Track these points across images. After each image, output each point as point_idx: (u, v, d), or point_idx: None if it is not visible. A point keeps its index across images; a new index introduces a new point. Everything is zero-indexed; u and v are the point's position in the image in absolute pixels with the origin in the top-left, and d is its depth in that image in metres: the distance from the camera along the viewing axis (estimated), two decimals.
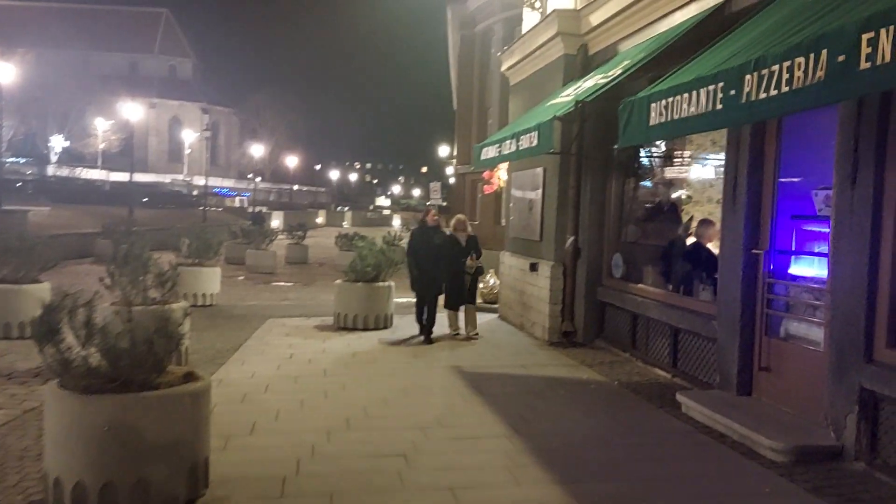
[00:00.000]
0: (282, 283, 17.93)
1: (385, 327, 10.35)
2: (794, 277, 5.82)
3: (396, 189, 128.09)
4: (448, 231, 9.66)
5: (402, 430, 5.62)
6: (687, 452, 5.25)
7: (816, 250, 5.73)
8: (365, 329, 10.14)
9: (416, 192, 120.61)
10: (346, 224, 63.32)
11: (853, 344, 4.82)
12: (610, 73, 6.73)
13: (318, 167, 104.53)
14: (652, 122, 4.13)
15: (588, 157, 9.01)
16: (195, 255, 12.96)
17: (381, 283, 10.45)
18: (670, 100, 4.03)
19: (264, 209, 52.98)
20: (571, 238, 9.27)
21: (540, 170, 9.83)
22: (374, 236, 14.43)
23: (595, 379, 7.44)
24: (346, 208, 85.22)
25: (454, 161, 40.95)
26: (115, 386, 3.84)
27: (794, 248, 5.91)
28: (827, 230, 5.66)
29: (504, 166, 13.19)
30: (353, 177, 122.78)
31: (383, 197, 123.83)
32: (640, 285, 8.26)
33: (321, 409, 6.17)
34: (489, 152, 8.13)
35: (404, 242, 14.32)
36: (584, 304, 9.13)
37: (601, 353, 8.59)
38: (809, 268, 5.77)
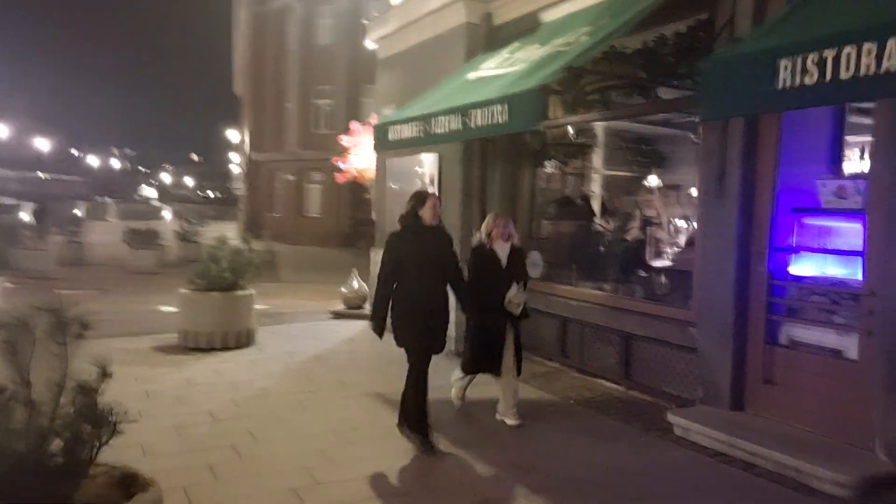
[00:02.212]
0: (70, 292, 14.88)
1: (248, 345, 8.56)
2: (805, 278, 5.22)
3: (166, 178, 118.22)
4: (477, 239, 5.90)
5: (378, 499, 4.21)
6: (731, 495, 4.41)
7: (830, 247, 5.18)
8: (224, 349, 8.28)
9: (189, 181, 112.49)
10: (111, 218, 56.82)
11: None
12: (571, 41, 5.73)
13: (75, 153, 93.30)
14: (781, 86, 3.15)
15: (495, 142, 8.00)
16: None
17: (240, 292, 8.63)
18: (813, 56, 3.05)
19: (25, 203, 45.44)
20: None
21: (433, 156, 8.62)
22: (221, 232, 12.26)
23: (544, 398, 6.44)
24: (110, 199, 76.64)
25: (246, 148, 38.03)
26: None
27: (795, 245, 5.32)
28: (836, 224, 5.15)
29: (363, 151, 11.80)
30: (117, 164, 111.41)
31: (147, 186, 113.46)
32: (570, 287, 7.40)
33: (243, 480, 4.52)
34: (403, 131, 6.79)
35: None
36: None
37: (524, 364, 7.60)
38: (819, 267, 5.20)
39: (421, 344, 5.23)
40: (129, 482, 2.58)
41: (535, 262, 7.92)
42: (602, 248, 7.52)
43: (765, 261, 5.27)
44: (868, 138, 5.22)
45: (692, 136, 7.57)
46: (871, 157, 4.65)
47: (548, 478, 4.61)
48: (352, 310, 10.98)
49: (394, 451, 5.07)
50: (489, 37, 8.06)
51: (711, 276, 5.60)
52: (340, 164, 12.25)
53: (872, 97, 3.65)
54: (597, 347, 6.90)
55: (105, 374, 2.71)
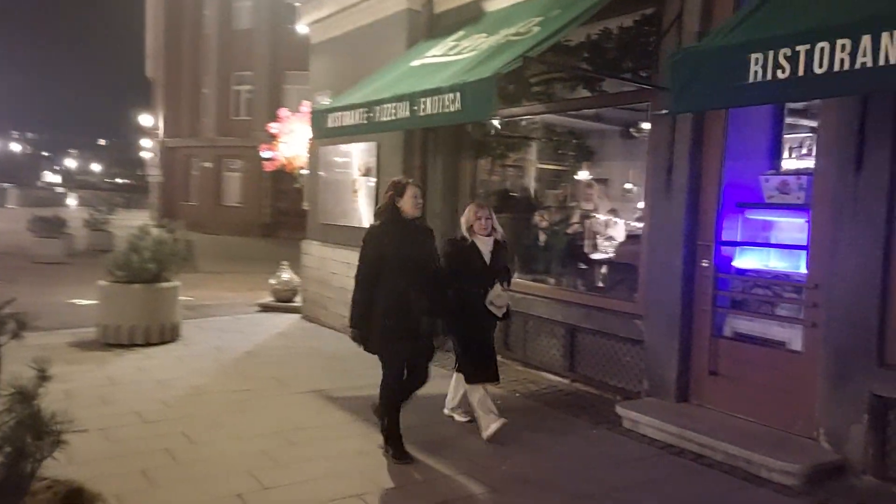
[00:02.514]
0: None
1: (173, 340, 8.14)
2: (749, 271, 5.31)
3: (71, 163, 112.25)
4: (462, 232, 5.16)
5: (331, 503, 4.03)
6: (683, 486, 4.43)
7: (773, 241, 5.28)
8: (147, 344, 7.84)
9: (96, 167, 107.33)
10: (11, 205, 53.50)
11: (860, 347, 4.38)
12: (522, 31, 5.63)
13: None
14: (752, 80, 3.12)
15: (437, 131, 7.85)
16: None
17: (165, 284, 8.19)
18: (786, 51, 3.03)
19: None
20: None
21: (371, 145, 8.39)
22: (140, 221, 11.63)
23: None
24: (10, 185, 72.09)
25: (160, 133, 36.45)
26: None
27: (740, 239, 5.40)
28: (779, 218, 5.26)
29: (293, 138, 11.43)
30: (18, 148, 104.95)
31: (51, 172, 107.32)
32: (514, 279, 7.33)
33: (182, 486, 4.23)
34: (344, 118, 6.53)
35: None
36: None
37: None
38: (763, 260, 5.31)
39: (403, 356, 4.72)
40: (74, 498, 2.31)
41: None
42: (543, 241, 7.50)
43: (711, 254, 5.33)
44: (804, 135, 5.38)
45: (632, 131, 7.65)
46: (817, 154, 4.75)
47: (501, 475, 4.52)
48: (281, 303, 10.63)
49: (342, 452, 4.87)
50: (431, 24, 7.89)
51: (658, 269, 5.64)
52: (268, 153, 11.83)
53: (846, 93, 3.70)
54: (541, 340, 6.87)
55: (43, 378, 2.42)
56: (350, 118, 6.52)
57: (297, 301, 10.55)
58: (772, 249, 5.25)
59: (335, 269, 9.11)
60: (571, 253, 7.40)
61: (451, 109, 5.17)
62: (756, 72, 3.20)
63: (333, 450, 4.92)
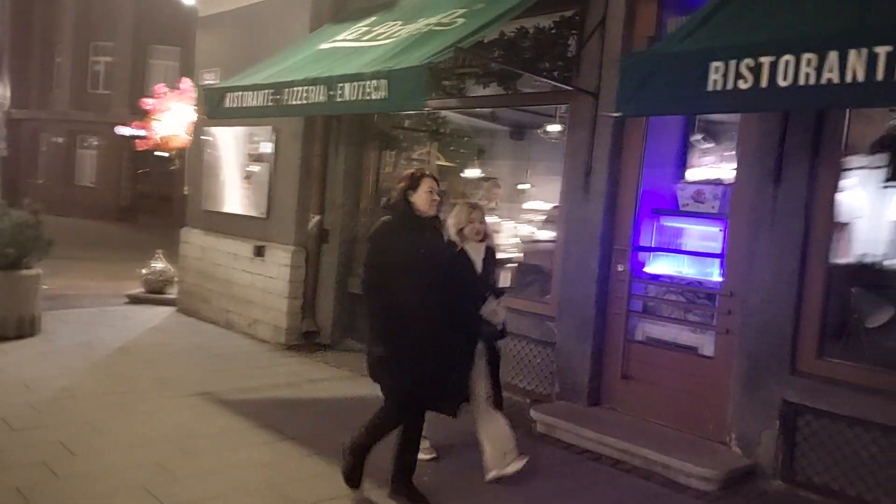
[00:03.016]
0: None
1: (32, 334, 7.31)
2: (663, 277, 5.38)
3: None
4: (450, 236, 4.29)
5: None
6: (604, 493, 4.40)
7: (686, 248, 5.38)
8: (2, 339, 6.97)
9: None
10: None
11: (773, 354, 4.52)
12: (445, 21, 5.40)
13: None
14: (712, 88, 3.07)
15: (341, 120, 7.49)
16: None
17: (25, 272, 7.34)
18: (749, 61, 2.99)
19: None
20: (316, 218, 7.64)
21: (267, 129, 7.89)
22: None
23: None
24: None
25: (3, 103, 33.01)
26: None
27: (655, 245, 5.47)
28: (693, 226, 5.38)
29: (170, 116, 10.63)
30: None
31: None
32: None
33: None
34: (246, 99, 6.01)
35: None
36: (334, 299, 7.61)
37: (364, 357, 7.19)
38: (676, 266, 5.39)
39: (425, 389, 3.84)
40: None
41: None
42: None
43: (627, 259, 5.36)
44: (711, 146, 5.54)
45: (539, 132, 7.64)
46: (737, 165, 4.86)
47: (425, 486, 4.29)
48: (153, 294, 9.83)
49: (246, 463, 4.47)
50: (336, 7, 7.51)
51: (573, 271, 5.61)
52: (141, 131, 10.97)
53: (811, 107, 3.76)
54: None
55: None
56: (252, 99, 6.05)
57: (172, 293, 9.81)
58: (685, 256, 5.35)
59: (220, 259, 8.52)
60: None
61: (375, 97, 4.87)
62: (716, 80, 3.17)
63: (236, 460, 4.50)
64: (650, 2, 5.30)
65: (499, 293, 4.44)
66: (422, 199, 3.94)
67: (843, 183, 4.39)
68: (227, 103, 6.35)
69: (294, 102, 5.59)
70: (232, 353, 7.20)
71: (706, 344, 5.05)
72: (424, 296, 3.80)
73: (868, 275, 4.55)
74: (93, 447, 4.50)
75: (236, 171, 8.40)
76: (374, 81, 4.87)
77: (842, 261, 4.51)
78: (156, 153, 11.83)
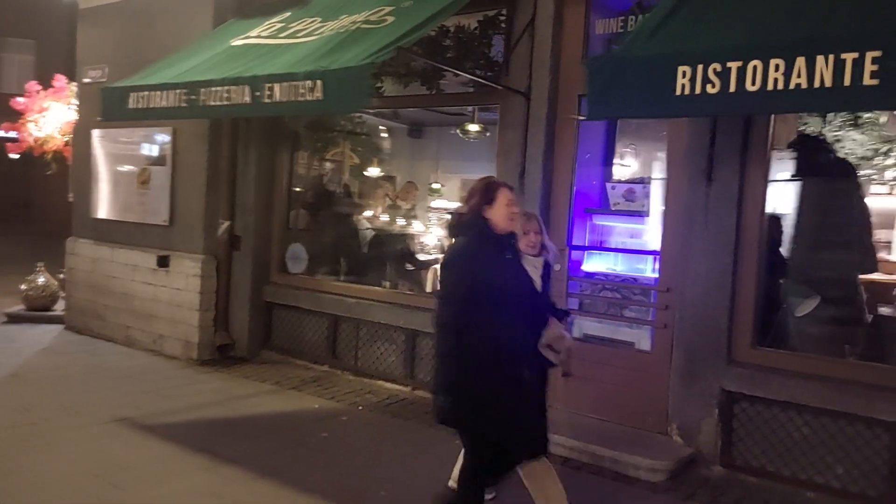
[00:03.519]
0: None
1: None
2: (597, 275, 5.47)
3: None
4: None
5: None
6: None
7: (618, 245, 5.50)
8: None
9: None
10: None
11: (711, 346, 4.70)
12: (373, 19, 5.22)
13: None
14: (680, 92, 3.11)
15: (249, 120, 7.13)
16: None
17: None
18: (716, 66, 3.04)
19: None
20: (226, 224, 7.24)
21: (166, 130, 7.38)
22: None
23: (329, 406, 5.88)
24: None
25: None
26: None
27: (588, 243, 5.56)
28: (625, 224, 5.52)
29: (48, 116, 9.74)
30: None
31: None
32: (344, 283, 6.91)
33: None
34: (154, 99, 5.54)
35: None
36: (249, 309, 7.23)
37: (287, 369, 6.91)
38: (608, 264, 5.51)
39: (506, 431, 3.24)
40: None
41: (295, 257, 7.29)
42: (371, 242, 7.18)
43: (563, 258, 5.41)
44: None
45: (457, 131, 7.62)
46: (668, 164, 5.02)
47: (382, 501, 4.15)
48: (36, 311, 9.00)
49: (186, 491, 4.15)
50: (240, 4, 7.12)
51: None
52: (11, 133, 9.99)
53: (780, 111, 3.90)
54: (376, 347, 6.53)
55: None
56: (161, 99, 5.63)
57: (58, 309, 9.03)
58: (619, 254, 5.48)
59: (116, 272, 7.91)
60: (403, 254, 7.18)
61: (310, 98, 4.63)
62: (683, 85, 3.23)
63: (178, 490, 4.18)
64: (578, 4, 5.37)
65: (562, 315, 3.87)
66: (500, 215, 3.29)
67: (769, 179, 4.63)
68: (132, 104, 5.88)
69: (213, 104, 5.25)
70: (141, 373, 6.70)
71: (643, 339, 5.20)
72: (517, 328, 3.26)
73: (795, 266, 4.83)
74: (9, 488, 4.03)
75: (131, 176, 7.82)
76: (309, 82, 4.64)
77: (771, 253, 4.75)
78: (9, 155, 10.78)
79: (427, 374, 6.19)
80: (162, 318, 7.43)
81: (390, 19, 5.23)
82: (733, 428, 4.68)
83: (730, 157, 4.62)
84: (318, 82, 4.60)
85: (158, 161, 7.54)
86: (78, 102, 8.77)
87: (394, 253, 7.36)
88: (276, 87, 4.85)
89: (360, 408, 5.86)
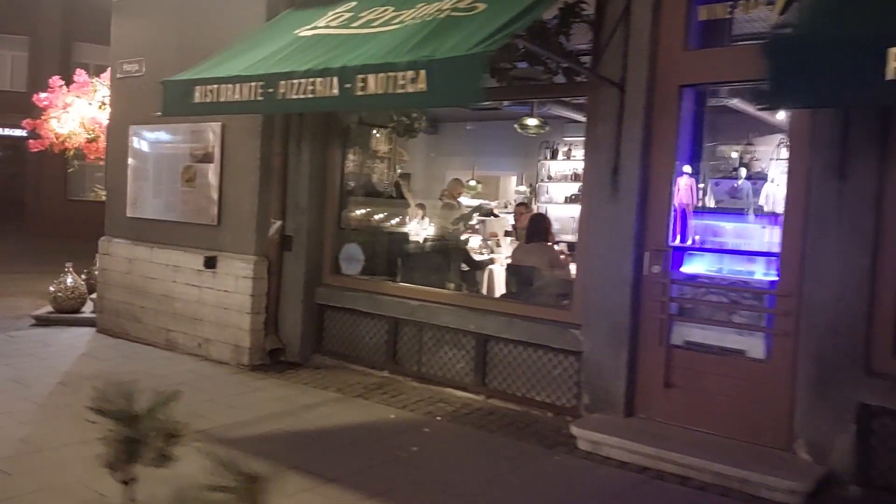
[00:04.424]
0: None
1: None
2: (702, 277, 5.14)
3: None
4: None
5: None
6: None
7: (725, 246, 5.19)
8: None
9: None
10: None
11: (846, 356, 4.34)
12: (464, 7, 4.86)
13: None
14: (892, 76, 2.77)
15: (304, 115, 6.76)
16: None
17: None
18: None
19: None
20: (277, 223, 6.86)
21: (214, 126, 7.00)
22: None
23: (406, 417, 5.52)
24: None
25: None
26: None
27: (694, 243, 5.24)
28: (731, 224, 5.21)
29: (71, 112, 9.33)
30: None
31: None
32: (406, 285, 6.56)
33: None
34: (224, 93, 5.15)
35: None
36: (302, 311, 6.86)
37: (344, 375, 6.53)
38: (713, 265, 5.19)
39: None
40: None
41: (351, 258, 6.93)
42: (435, 243, 6.85)
43: (662, 259, 5.10)
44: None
45: (516, 126, 7.30)
46: (789, 161, 4.70)
47: None
48: (65, 314, 8.57)
49: None
50: None
51: (600, 274, 5.27)
52: (35, 130, 9.56)
53: None
54: (442, 353, 6.19)
55: None
56: (234, 93, 5.24)
57: (87, 311, 8.63)
58: (724, 255, 5.16)
59: (155, 273, 7.51)
60: (460, 255, 6.85)
61: (411, 90, 4.27)
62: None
63: None
64: None
65: None
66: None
67: None
68: (198, 97, 5.49)
69: (295, 97, 4.86)
70: (195, 380, 6.31)
71: (755, 346, 4.86)
72: None
73: None
74: None
75: (174, 173, 7.42)
76: (410, 72, 4.28)
77: None
78: (31, 150, 10.33)
79: (501, 381, 5.87)
80: (207, 322, 7.04)
81: (482, 6, 4.88)
82: (872, 445, 4.32)
83: (866, 149, 4.30)
84: (422, 72, 4.24)
85: (205, 158, 7.14)
86: (111, 97, 8.35)
87: (450, 253, 7.03)
88: (371, 78, 4.48)
89: (438, 418, 5.50)
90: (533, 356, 5.67)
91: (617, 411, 5.18)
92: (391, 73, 4.38)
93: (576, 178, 11.92)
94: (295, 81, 4.87)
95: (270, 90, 5.03)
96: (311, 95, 4.79)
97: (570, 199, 11.56)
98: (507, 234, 7.82)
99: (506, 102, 9.02)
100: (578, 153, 11.92)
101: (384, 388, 6.20)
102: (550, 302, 5.87)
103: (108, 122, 8.42)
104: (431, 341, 6.24)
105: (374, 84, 4.47)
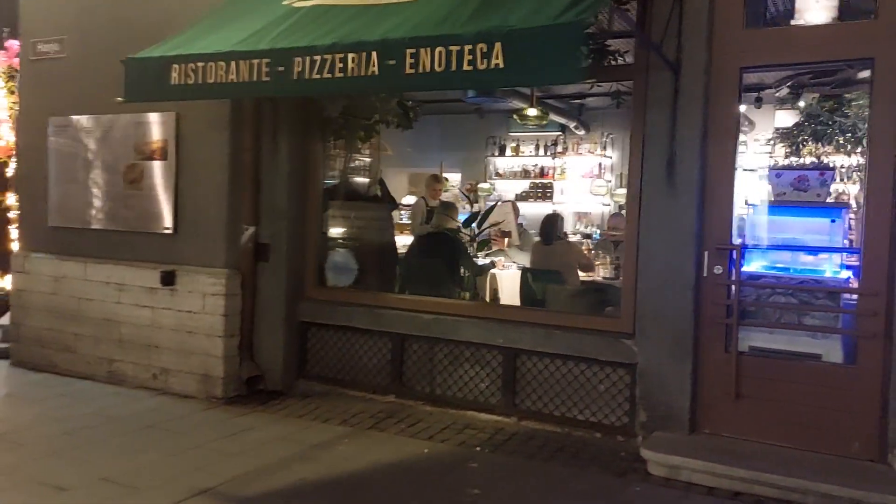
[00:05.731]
0: None
1: None
2: (769, 277, 4.70)
3: None
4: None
5: None
6: None
7: (792, 242, 4.76)
8: None
9: None
10: None
11: None
12: None
13: None
14: None
15: (279, 104, 5.85)
16: None
17: None
18: None
19: None
20: (251, 230, 5.89)
21: (164, 116, 5.92)
22: None
23: (444, 451, 4.75)
24: None
25: None
26: None
27: (749, 241, 4.79)
28: (797, 218, 4.81)
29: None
30: None
31: None
32: (415, 297, 5.77)
33: None
34: (211, 72, 4.15)
35: None
36: (283, 331, 5.92)
37: (341, 402, 5.66)
38: (780, 264, 4.76)
39: None
40: None
41: (342, 267, 6.09)
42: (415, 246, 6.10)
43: (725, 259, 4.63)
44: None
45: (515, 118, 6.67)
46: (871, 146, 4.33)
47: None
48: None
49: None
50: None
51: (656, 277, 4.74)
52: None
53: None
54: (461, 371, 5.47)
55: None
56: (228, 73, 4.29)
57: None
58: (790, 252, 4.75)
59: (92, 293, 6.32)
60: (459, 259, 6.15)
61: (482, 67, 3.52)
62: None
63: None
64: None
65: None
66: None
67: None
68: (175, 79, 4.48)
69: (317, 76, 4.00)
70: (161, 421, 5.25)
71: (832, 350, 4.49)
72: None
73: None
74: None
75: (113, 174, 6.26)
76: (482, 45, 3.53)
77: None
78: None
79: (535, 401, 5.23)
80: (166, 349, 5.96)
81: None
82: None
83: None
84: (497, 45, 3.50)
85: (154, 154, 6.05)
86: (21, 85, 6.99)
87: (448, 257, 6.32)
88: (424, 52, 3.70)
89: (478, 448, 4.78)
90: (574, 371, 5.07)
91: (681, 428, 4.67)
92: (452, 47, 3.62)
93: (526, 174, 11.47)
94: (317, 57, 4.00)
95: (281, 68, 4.13)
96: (340, 75, 3.93)
97: (520, 197, 11.09)
98: (503, 234, 7.20)
99: (471, 93, 8.51)
100: (528, 149, 11.48)
101: (395, 415, 5.40)
102: (589, 309, 5.28)
103: (17, 114, 7.05)
104: (447, 359, 5.51)
105: (428, 60, 3.69)
